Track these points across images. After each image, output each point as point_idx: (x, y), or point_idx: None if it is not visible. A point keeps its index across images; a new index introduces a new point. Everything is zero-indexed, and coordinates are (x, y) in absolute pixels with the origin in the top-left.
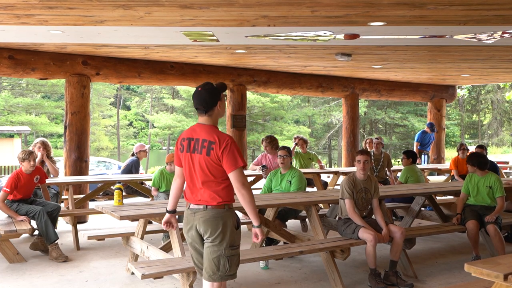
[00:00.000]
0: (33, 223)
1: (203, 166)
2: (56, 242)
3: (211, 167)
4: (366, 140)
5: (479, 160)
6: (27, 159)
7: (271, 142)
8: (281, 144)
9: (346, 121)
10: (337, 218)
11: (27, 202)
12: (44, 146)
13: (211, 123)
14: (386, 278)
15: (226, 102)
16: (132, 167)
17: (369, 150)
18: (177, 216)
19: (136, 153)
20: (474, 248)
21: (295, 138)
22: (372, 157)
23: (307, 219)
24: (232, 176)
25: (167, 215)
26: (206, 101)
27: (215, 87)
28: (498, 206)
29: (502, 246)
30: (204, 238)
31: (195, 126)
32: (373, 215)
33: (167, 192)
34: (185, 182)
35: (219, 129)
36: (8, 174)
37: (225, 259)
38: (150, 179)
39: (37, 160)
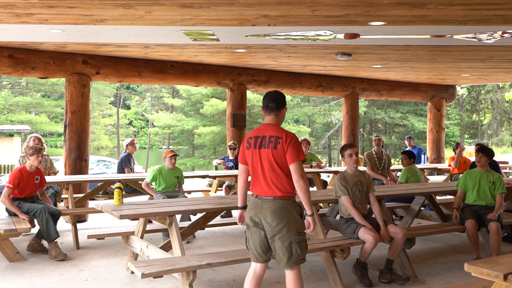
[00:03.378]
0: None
1: (270, 159)
2: (56, 240)
3: (278, 159)
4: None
5: (489, 150)
6: (35, 154)
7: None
8: None
9: (346, 120)
10: (339, 217)
11: (28, 201)
12: (38, 140)
13: (276, 123)
14: (381, 276)
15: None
16: (122, 163)
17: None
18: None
19: (125, 148)
20: (475, 249)
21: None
22: (375, 156)
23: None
24: (293, 168)
25: (240, 211)
26: (280, 100)
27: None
28: (498, 203)
29: (498, 246)
30: (271, 228)
31: (261, 126)
32: (373, 214)
33: (165, 191)
34: (250, 176)
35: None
36: (8, 173)
37: (296, 245)
38: None
39: None
